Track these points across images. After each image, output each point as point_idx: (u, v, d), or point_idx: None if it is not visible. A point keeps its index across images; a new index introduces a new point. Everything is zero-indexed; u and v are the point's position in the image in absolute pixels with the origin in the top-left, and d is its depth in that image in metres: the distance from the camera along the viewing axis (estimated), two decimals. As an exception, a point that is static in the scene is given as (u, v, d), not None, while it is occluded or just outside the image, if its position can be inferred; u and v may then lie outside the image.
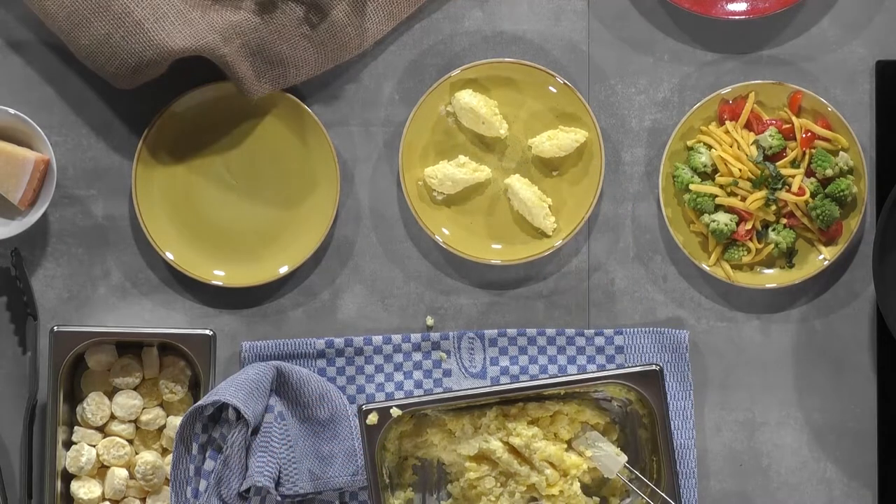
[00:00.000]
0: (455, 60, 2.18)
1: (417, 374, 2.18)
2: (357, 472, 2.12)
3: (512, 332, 2.18)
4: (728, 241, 2.15)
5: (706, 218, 2.14)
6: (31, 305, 2.15)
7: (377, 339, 2.17)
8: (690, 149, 2.17)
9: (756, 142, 2.14)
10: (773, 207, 2.15)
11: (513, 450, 2.12)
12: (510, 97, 2.17)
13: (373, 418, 2.08)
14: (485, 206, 2.19)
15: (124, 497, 2.13)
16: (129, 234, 2.18)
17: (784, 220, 2.15)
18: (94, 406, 2.11)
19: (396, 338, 2.17)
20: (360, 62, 2.19)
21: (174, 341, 2.11)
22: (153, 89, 2.15)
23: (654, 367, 2.08)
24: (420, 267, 2.19)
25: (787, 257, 2.17)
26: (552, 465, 2.11)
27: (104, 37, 2.08)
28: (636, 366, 2.09)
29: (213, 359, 2.10)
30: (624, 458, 2.11)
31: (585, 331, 2.17)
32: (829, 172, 2.14)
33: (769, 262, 2.17)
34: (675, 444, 2.13)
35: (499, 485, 2.13)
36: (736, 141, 2.14)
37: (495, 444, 2.10)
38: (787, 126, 2.15)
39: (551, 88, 2.16)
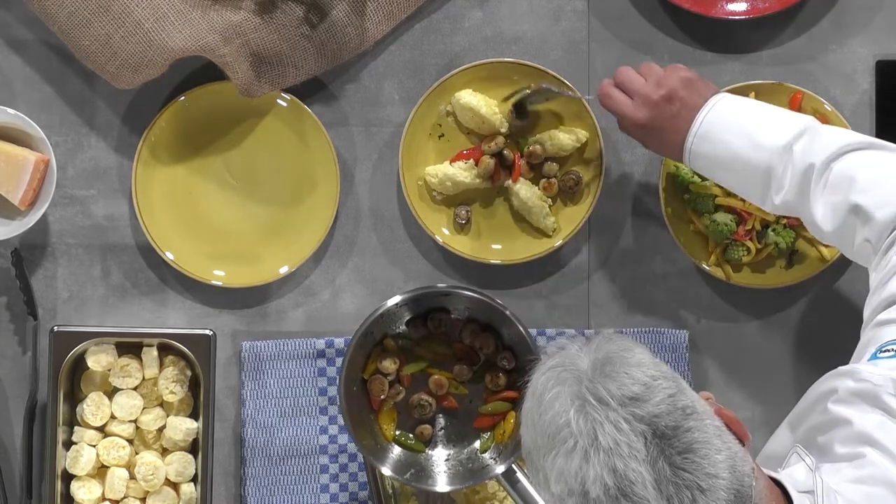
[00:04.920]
0: (455, 60, 2.18)
1: (417, 374, 2.18)
2: None
3: (512, 332, 2.18)
4: (728, 241, 2.15)
5: (706, 218, 2.14)
6: (31, 305, 2.15)
7: (377, 339, 2.18)
8: (690, 149, 2.17)
9: (756, 142, 2.14)
10: (773, 207, 2.15)
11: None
12: (510, 97, 2.17)
13: None
14: (485, 206, 2.19)
15: (124, 497, 2.13)
16: (129, 234, 2.18)
17: (784, 220, 2.15)
18: (94, 406, 2.11)
19: (396, 338, 2.18)
20: (360, 62, 2.19)
21: (174, 341, 2.11)
22: (153, 89, 2.15)
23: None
24: (420, 267, 2.19)
25: (787, 257, 2.17)
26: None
27: (104, 37, 2.08)
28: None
29: (213, 359, 2.10)
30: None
31: (585, 331, 2.17)
32: (829, 172, 2.14)
33: (769, 262, 2.17)
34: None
35: (501, 488, 2.12)
36: (736, 141, 2.14)
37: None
38: (787, 126, 2.15)
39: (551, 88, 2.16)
